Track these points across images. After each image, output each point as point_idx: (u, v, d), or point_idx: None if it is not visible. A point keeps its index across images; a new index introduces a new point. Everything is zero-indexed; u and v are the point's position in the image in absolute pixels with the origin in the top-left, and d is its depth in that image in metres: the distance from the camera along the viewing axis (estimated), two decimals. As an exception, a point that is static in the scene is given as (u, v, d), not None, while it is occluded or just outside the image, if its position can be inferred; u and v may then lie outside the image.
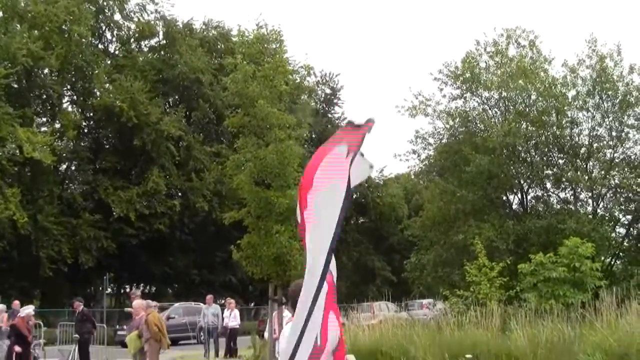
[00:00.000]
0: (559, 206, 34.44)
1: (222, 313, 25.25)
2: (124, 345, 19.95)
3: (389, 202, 67.10)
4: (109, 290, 41.49)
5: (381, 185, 70.41)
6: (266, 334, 14.21)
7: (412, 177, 47.39)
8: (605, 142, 33.36)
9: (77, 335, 21.33)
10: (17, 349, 16.26)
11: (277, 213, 11.98)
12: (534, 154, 34.16)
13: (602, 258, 28.46)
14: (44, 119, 46.05)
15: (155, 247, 45.91)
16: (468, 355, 13.11)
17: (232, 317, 24.63)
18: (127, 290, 47.62)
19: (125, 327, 20.79)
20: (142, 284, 52.85)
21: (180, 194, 48.62)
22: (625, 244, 33.82)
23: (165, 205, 44.80)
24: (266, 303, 13.54)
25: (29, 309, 17.56)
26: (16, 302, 23.93)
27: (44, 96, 45.01)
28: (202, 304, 28.55)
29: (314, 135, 62.63)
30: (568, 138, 33.66)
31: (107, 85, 45.46)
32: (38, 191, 41.61)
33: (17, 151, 37.88)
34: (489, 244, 27.59)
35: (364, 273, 66.71)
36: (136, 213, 42.60)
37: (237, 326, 24.83)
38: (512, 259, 24.56)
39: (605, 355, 11.89)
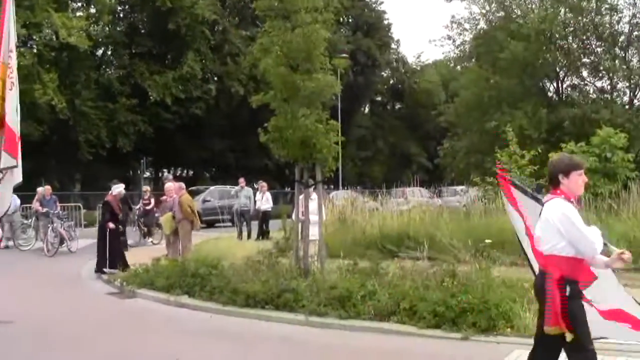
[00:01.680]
0: (594, 95, 33.91)
1: (255, 196, 25.60)
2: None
3: (426, 88, 66.54)
4: (147, 173, 42.20)
5: (418, 71, 69.66)
6: (293, 216, 14.44)
7: (449, 63, 46.71)
8: (646, 30, 32.49)
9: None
10: (111, 225, 16.62)
11: (303, 96, 11.99)
12: (571, 41, 33.42)
13: (637, 149, 28.09)
14: (79, 4, 45.80)
15: (192, 131, 46.33)
16: (488, 240, 13.23)
17: (265, 200, 24.95)
18: (165, 173, 48.40)
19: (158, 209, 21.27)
20: (179, 168, 53.67)
21: (215, 78, 48.67)
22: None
23: (201, 90, 44.98)
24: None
25: (120, 187, 17.79)
26: (48, 188, 24.56)
27: (79, -19, 44.77)
28: (235, 187, 28.96)
29: (351, 20, 61.82)
30: (607, 25, 32.79)
31: (142, -32, 44.98)
32: (75, 76, 41.84)
33: (54, 36, 37.97)
34: (521, 132, 27.39)
35: (400, 159, 66.94)
36: (172, 97, 42.87)
37: (270, 209, 25.18)
38: (543, 148, 24.41)
39: (629, 246, 11.93)
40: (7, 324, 10.61)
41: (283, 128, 12.08)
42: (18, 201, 23.36)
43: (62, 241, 21.96)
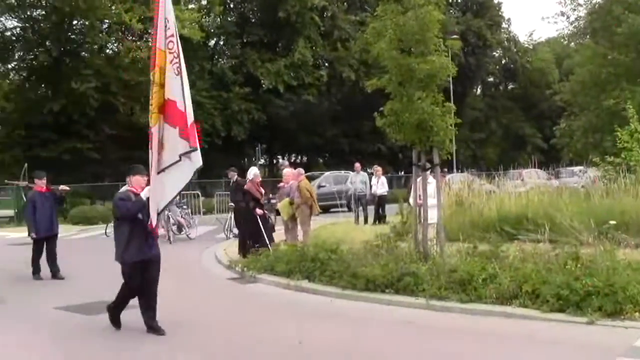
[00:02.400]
0: None
1: (370, 181, 25.64)
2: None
3: (539, 67, 64.99)
4: (262, 160, 42.91)
5: (530, 49, 68.08)
6: (411, 200, 14.41)
7: (563, 40, 45.43)
8: None
9: (232, 204, 22.33)
10: (259, 211, 16.74)
11: (418, 79, 11.92)
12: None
13: None
14: (191, -4, 46.92)
15: (304, 117, 46.75)
16: (612, 222, 12.86)
17: (380, 185, 24.95)
18: (280, 160, 49.02)
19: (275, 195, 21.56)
20: (292, 154, 54.25)
21: (326, 64, 48.91)
22: None
23: (313, 76, 45.32)
24: (416, 171, 13.63)
25: (255, 170, 18.03)
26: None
27: (190, -26, 45.71)
28: (351, 173, 29.05)
29: (460, 0, 60.93)
30: None
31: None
32: (189, 67, 42.68)
33: (168, 29, 38.91)
34: (642, 108, 26.41)
35: (514, 140, 65.72)
36: (284, 84, 43.38)
37: (386, 193, 25.18)
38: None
39: None
40: (135, 308, 11.02)
41: (399, 112, 12.04)
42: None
43: (180, 228, 22.58)
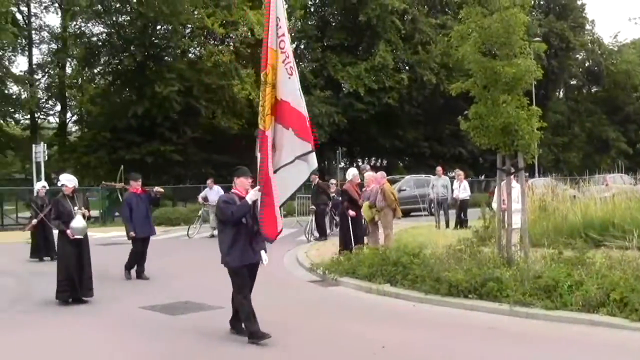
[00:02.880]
0: None
1: (452, 185, 25.46)
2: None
3: (624, 69, 63.40)
4: (342, 164, 42.98)
5: (615, 51, 66.49)
6: (494, 205, 14.29)
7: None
8: None
9: (313, 207, 22.50)
10: (352, 213, 16.76)
11: (503, 83, 11.81)
12: None
13: None
14: (268, 1, 47.31)
15: (385, 120, 46.73)
16: None
17: (462, 189, 24.73)
18: (360, 163, 49.03)
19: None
20: (373, 158, 54.24)
21: (407, 67, 48.77)
22: None
23: (393, 79, 45.22)
24: (496, 175, 13.53)
25: (354, 171, 18.13)
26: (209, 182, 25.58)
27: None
28: (431, 176, 28.89)
29: (542, 1, 59.95)
30: None
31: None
32: (270, 70, 43.29)
33: (249, 33, 39.48)
34: None
35: (597, 144, 64.29)
36: (365, 88, 43.40)
37: (468, 197, 24.94)
38: None
39: None
40: (219, 309, 11.22)
41: (484, 115, 11.96)
42: (222, 192, 24.49)
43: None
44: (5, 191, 36.05)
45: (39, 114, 44.03)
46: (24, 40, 41.81)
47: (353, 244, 16.42)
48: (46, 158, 32.77)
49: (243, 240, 9.13)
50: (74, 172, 40.83)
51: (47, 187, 19.90)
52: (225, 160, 40.08)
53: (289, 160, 9.09)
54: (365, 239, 17.28)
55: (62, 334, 10.00)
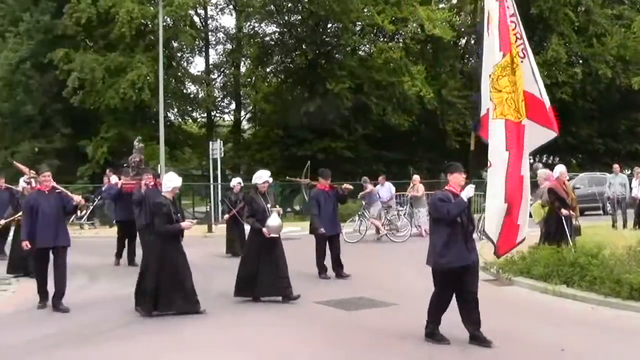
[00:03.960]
0: None
1: (630, 183, 24.51)
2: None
3: None
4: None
5: None
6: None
7: None
8: None
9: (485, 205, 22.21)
10: (564, 212, 15.25)
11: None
12: None
13: None
14: (442, -4, 47.18)
15: (558, 116, 45.18)
16: None
17: (641, 187, 23.79)
18: (530, 161, 47.89)
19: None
20: (544, 155, 52.84)
21: (581, 61, 47.15)
22: None
23: (567, 74, 43.83)
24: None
25: (562, 168, 17.22)
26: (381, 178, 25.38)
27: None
28: (607, 174, 27.92)
29: None
30: None
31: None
32: (441, 66, 43.23)
33: (419, 29, 39.48)
34: None
35: None
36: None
37: (647, 197, 23.94)
38: None
39: None
40: (393, 306, 11.39)
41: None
42: (393, 189, 24.67)
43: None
44: (182, 186, 37.61)
45: (215, 112, 45.84)
46: (201, 42, 43.57)
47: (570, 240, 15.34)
48: (222, 155, 34.01)
49: (458, 239, 8.65)
50: (247, 168, 42.36)
51: (242, 184, 20.03)
52: (395, 157, 40.29)
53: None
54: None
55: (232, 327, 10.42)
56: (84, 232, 26.90)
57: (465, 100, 41.47)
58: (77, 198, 11.94)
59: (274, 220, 11.93)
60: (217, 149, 33.23)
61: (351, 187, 15.69)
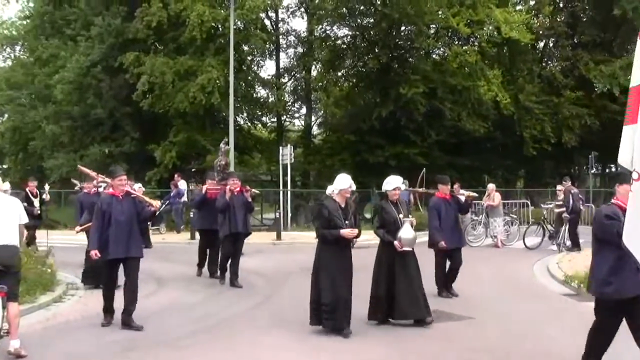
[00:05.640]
0: None
1: None
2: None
3: None
4: (594, 169, 41.14)
5: None
6: None
7: None
8: None
9: (566, 215, 21.74)
10: None
11: None
12: None
13: None
14: (519, -2, 46.52)
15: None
16: None
17: None
18: (613, 170, 46.74)
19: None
20: (627, 163, 51.52)
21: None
22: None
23: (653, 78, 42.69)
24: None
25: None
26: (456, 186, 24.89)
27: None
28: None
29: None
30: None
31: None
32: (517, 70, 42.57)
33: (495, 32, 38.91)
34: None
35: None
36: (620, 87, 41.33)
37: None
38: None
39: None
40: (468, 320, 11.16)
41: None
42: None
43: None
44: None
45: (285, 116, 45.96)
46: (272, 45, 43.76)
47: None
48: (292, 160, 34.06)
49: (629, 264, 6.98)
50: (317, 174, 42.38)
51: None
52: (470, 164, 39.77)
53: None
54: None
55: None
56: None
57: (543, 106, 40.69)
58: (156, 203, 11.47)
59: (407, 231, 11.00)
60: (287, 154, 33.34)
61: (476, 194, 14.97)
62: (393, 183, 11.35)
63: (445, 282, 13.83)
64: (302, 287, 11.60)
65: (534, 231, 23.97)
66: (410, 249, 11.05)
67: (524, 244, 22.81)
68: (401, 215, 11.10)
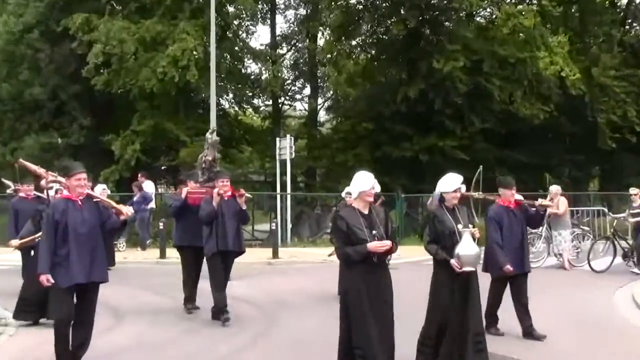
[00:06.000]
0: None
1: None
2: None
3: None
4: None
5: None
6: None
7: None
8: None
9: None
10: None
11: None
12: None
13: None
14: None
15: None
16: None
17: None
18: None
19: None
20: None
21: None
22: None
23: None
24: None
25: None
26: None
27: None
28: None
29: None
30: None
31: None
32: (591, 36, 42.20)
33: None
34: None
35: None
36: None
37: None
38: None
39: None
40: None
41: None
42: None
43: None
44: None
45: (283, 98, 45.78)
46: (265, 6, 43.53)
47: None
48: (292, 155, 33.80)
49: None
50: (325, 173, 42.17)
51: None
52: (526, 160, 39.42)
53: None
54: None
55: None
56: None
57: (626, 83, 40.18)
58: (126, 211, 10.79)
59: (466, 247, 10.12)
60: (286, 147, 33.13)
61: (550, 202, 14.62)
62: (452, 183, 10.57)
63: (496, 315, 13.38)
64: (305, 321, 11.48)
65: (603, 248, 23.59)
66: (474, 269, 10.26)
67: (590, 265, 22.47)
68: (460, 225, 10.30)
